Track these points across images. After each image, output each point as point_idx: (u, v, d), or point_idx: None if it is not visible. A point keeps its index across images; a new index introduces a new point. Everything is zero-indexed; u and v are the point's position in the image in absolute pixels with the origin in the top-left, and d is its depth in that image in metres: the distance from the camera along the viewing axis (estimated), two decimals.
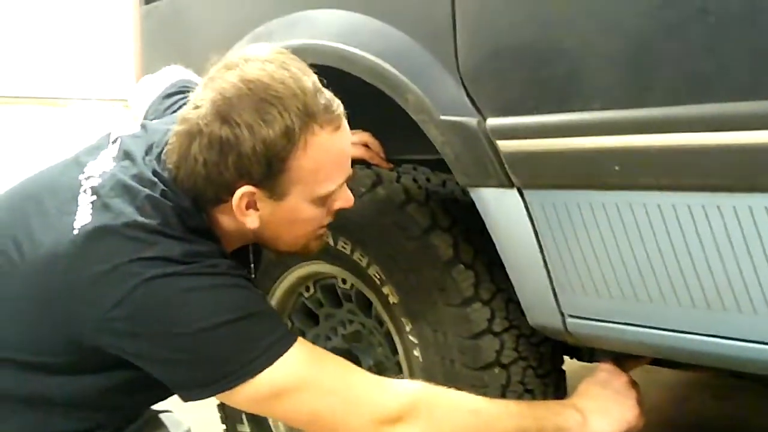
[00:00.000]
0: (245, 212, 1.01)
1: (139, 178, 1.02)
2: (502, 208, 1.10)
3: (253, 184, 0.98)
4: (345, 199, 1.08)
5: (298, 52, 1.28)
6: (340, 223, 1.31)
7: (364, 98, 1.31)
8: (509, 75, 1.05)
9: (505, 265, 1.15)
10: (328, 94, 1.00)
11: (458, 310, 1.22)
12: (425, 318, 1.26)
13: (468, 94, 1.08)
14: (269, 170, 0.97)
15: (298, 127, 0.95)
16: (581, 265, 1.05)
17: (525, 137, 1.02)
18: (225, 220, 1.05)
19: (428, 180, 1.37)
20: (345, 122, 1.02)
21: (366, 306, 1.43)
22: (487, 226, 1.13)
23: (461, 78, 1.09)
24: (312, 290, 1.52)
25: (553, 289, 1.10)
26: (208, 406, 1.25)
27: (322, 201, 1.04)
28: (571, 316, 1.11)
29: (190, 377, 0.98)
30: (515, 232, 1.10)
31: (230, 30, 1.52)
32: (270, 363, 0.96)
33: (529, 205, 1.06)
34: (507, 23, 1.04)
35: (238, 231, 1.06)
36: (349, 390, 1.01)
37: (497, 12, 1.05)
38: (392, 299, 1.29)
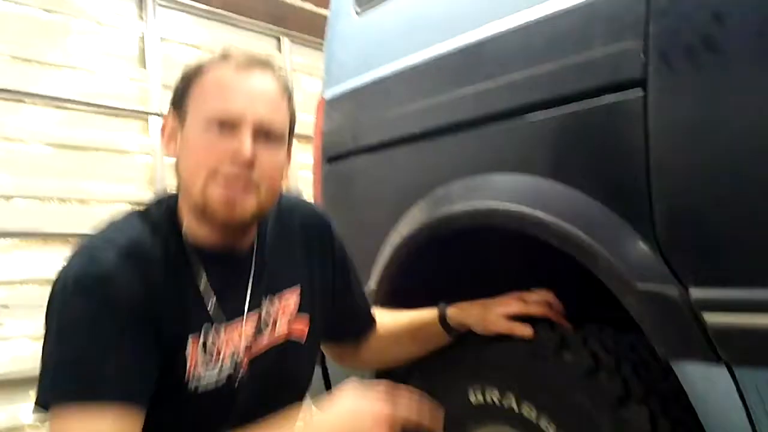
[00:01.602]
0: (168, 142, 1.20)
1: None
2: (708, 385, 1.02)
3: (173, 107, 1.19)
4: (236, 147, 1.11)
5: (484, 214, 1.33)
6: (525, 386, 1.28)
7: (544, 259, 1.31)
8: (714, 243, 1.00)
9: None
10: (247, 53, 1.18)
11: None
12: None
13: (666, 262, 1.05)
14: (181, 92, 1.17)
15: (206, 63, 1.17)
16: None
17: (736, 310, 0.96)
18: (180, 192, 1.19)
19: (617, 343, 1.31)
20: (256, 68, 1.16)
21: None
22: (691, 401, 1.06)
23: (658, 245, 1.06)
24: None
25: None
26: None
27: (210, 125, 1.11)
28: None
29: None
30: (723, 413, 1.02)
31: (408, 192, 1.57)
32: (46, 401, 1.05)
33: (740, 385, 0.98)
34: (711, 186, 1.01)
35: (187, 201, 1.17)
36: None
37: (699, 175, 1.02)
38: None
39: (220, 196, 1.12)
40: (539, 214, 1.20)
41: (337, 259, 1.43)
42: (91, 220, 3.55)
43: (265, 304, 1.26)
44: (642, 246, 1.08)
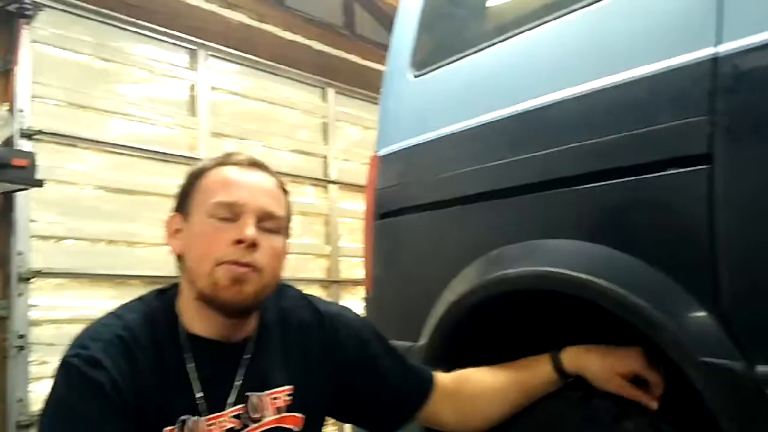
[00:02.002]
0: (172, 239, 1.29)
1: None
2: None
3: (176, 210, 1.29)
4: (239, 231, 1.20)
5: (540, 278, 1.34)
6: None
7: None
8: None
9: None
10: (245, 156, 1.32)
11: None
12: None
13: (731, 336, 1.05)
14: (185, 193, 1.28)
15: (208, 165, 1.30)
16: None
17: None
18: (182, 284, 1.28)
19: (678, 414, 1.31)
20: (254, 168, 1.29)
21: None
22: None
23: (723, 319, 1.06)
24: None
25: None
26: None
27: (215, 216, 1.22)
28: None
29: None
30: None
31: (463, 252, 1.59)
32: None
33: None
34: None
35: (190, 292, 1.24)
36: None
37: (765, 250, 1.03)
38: None
39: (228, 272, 1.20)
40: (603, 282, 1.21)
41: (348, 349, 1.41)
42: (137, 261, 3.65)
43: (252, 399, 1.28)
44: (707, 319, 1.08)
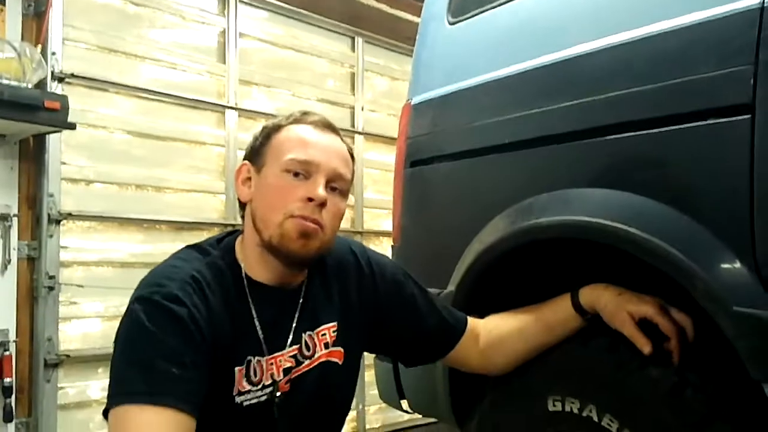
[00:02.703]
0: (242, 186, 1.36)
1: None
2: None
3: (248, 159, 1.36)
4: (311, 190, 1.27)
5: (574, 228, 1.35)
6: (607, 398, 1.30)
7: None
8: None
9: None
10: (319, 116, 1.37)
11: None
12: None
13: (765, 287, 1.06)
14: (258, 145, 1.35)
15: (283, 122, 1.35)
16: None
17: None
18: (245, 231, 1.34)
19: (703, 360, 1.32)
20: (328, 131, 1.35)
21: None
22: None
23: (758, 269, 1.07)
24: None
25: None
26: None
27: (289, 172, 1.28)
28: None
29: None
30: None
31: (494, 201, 1.60)
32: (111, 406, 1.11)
33: None
34: None
35: (254, 239, 1.30)
36: None
37: None
38: None
39: (297, 226, 1.26)
40: (636, 231, 1.22)
41: (383, 291, 1.47)
42: (165, 207, 3.69)
43: (305, 339, 1.37)
44: (740, 268, 1.09)
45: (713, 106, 1.15)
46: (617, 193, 1.32)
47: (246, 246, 1.34)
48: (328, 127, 1.36)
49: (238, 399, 1.27)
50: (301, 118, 1.35)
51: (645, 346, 1.27)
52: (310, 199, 1.26)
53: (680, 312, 1.27)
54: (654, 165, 1.26)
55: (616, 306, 1.33)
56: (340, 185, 1.33)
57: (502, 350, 1.48)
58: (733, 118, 1.12)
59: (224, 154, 3.91)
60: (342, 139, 1.38)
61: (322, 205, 1.27)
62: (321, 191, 1.27)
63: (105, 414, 1.13)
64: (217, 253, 1.33)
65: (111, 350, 1.19)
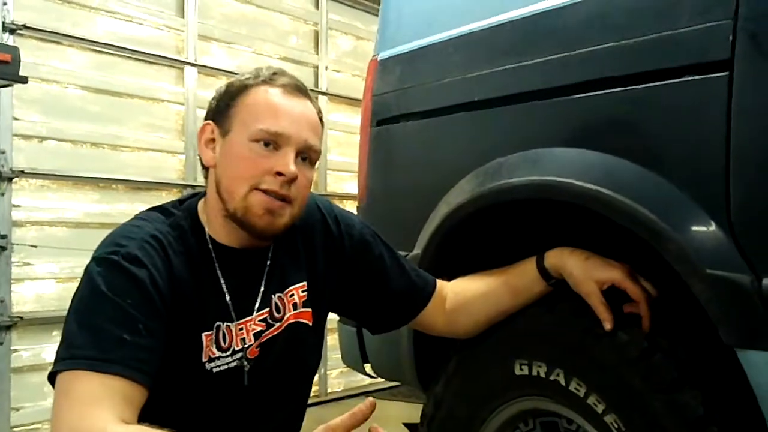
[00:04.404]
0: (205, 148, 1.27)
1: None
2: None
3: (212, 119, 1.27)
4: (282, 164, 1.20)
5: (544, 188, 1.31)
6: (575, 362, 1.28)
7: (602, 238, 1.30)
8: None
9: None
10: (289, 77, 1.28)
11: None
12: None
13: (739, 249, 1.04)
14: (224, 105, 1.26)
15: (251, 82, 1.25)
16: None
17: None
18: (209, 195, 1.27)
19: (673, 325, 1.31)
20: (299, 95, 1.26)
21: None
22: (754, 389, 1.05)
23: (732, 231, 1.04)
24: (531, 425, 1.47)
25: None
26: None
27: (257, 141, 1.20)
28: None
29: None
30: None
31: (461, 161, 1.55)
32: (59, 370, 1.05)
33: None
34: None
35: (218, 205, 1.24)
36: None
37: None
38: None
39: (262, 203, 1.21)
40: (607, 192, 1.18)
41: (350, 251, 1.42)
42: (122, 166, 3.59)
43: (275, 301, 1.32)
44: (715, 230, 1.06)
45: (690, 63, 1.12)
46: (589, 153, 1.28)
47: (210, 210, 1.28)
48: (300, 90, 1.28)
49: (207, 366, 1.23)
50: (271, 78, 1.26)
51: (607, 322, 1.24)
52: (280, 174, 1.20)
53: (648, 282, 1.26)
54: (628, 124, 1.23)
55: (583, 273, 1.30)
56: (310, 155, 1.27)
57: (468, 314, 1.45)
58: (711, 75, 1.08)
59: (183, 112, 3.82)
60: (312, 103, 1.30)
61: (293, 180, 1.22)
62: (292, 167, 1.20)
63: (50, 378, 1.08)
64: (180, 214, 1.27)
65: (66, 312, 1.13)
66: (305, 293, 1.36)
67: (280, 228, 1.24)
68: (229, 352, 1.25)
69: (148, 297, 1.12)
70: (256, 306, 1.29)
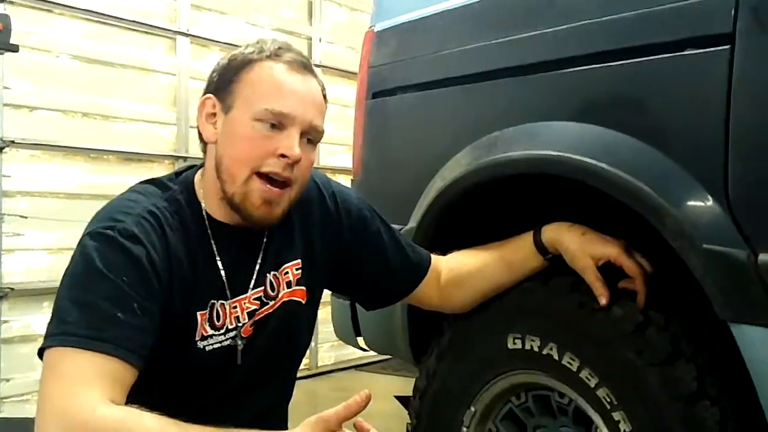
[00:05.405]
0: (206, 123, 1.22)
1: None
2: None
3: (213, 93, 1.22)
4: (287, 146, 1.16)
5: (541, 162, 1.31)
6: (569, 336, 1.28)
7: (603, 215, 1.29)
8: None
9: (764, 407, 1.06)
10: (295, 53, 1.23)
11: None
12: None
13: (737, 225, 1.03)
14: (226, 80, 1.21)
15: (255, 57, 1.20)
16: None
17: None
18: (207, 170, 1.23)
19: (667, 299, 1.31)
20: (304, 72, 1.21)
21: (582, 423, 1.37)
22: (747, 364, 1.06)
23: (729, 207, 1.04)
24: (523, 399, 1.48)
25: None
26: None
27: (261, 121, 1.16)
28: None
29: None
30: None
31: (458, 134, 1.55)
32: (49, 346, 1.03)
33: None
34: None
35: (216, 184, 1.20)
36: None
37: None
38: (624, 427, 1.22)
39: (262, 192, 1.18)
40: (604, 166, 1.18)
41: (347, 227, 1.40)
42: (113, 136, 3.56)
43: (269, 279, 1.30)
44: (712, 205, 1.06)
45: (691, 36, 1.11)
46: (587, 127, 1.28)
47: (206, 186, 1.25)
48: (305, 67, 1.23)
49: (200, 344, 1.21)
50: (276, 53, 1.21)
51: (603, 297, 1.24)
52: (284, 156, 1.17)
53: (644, 258, 1.25)
54: (627, 98, 1.22)
55: (579, 248, 1.30)
56: (314, 136, 1.23)
57: (462, 289, 1.45)
58: (712, 49, 1.07)
59: (175, 83, 3.78)
60: (317, 80, 1.25)
61: (296, 162, 1.18)
62: (297, 150, 1.17)
63: (40, 353, 1.06)
64: (176, 188, 1.24)
65: (57, 284, 1.11)
66: (299, 271, 1.34)
67: (277, 218, 1.22)
68: (222, 331, 1.23)
69: (144, 275, 1.10)
70: (252, 284, 1.27)
